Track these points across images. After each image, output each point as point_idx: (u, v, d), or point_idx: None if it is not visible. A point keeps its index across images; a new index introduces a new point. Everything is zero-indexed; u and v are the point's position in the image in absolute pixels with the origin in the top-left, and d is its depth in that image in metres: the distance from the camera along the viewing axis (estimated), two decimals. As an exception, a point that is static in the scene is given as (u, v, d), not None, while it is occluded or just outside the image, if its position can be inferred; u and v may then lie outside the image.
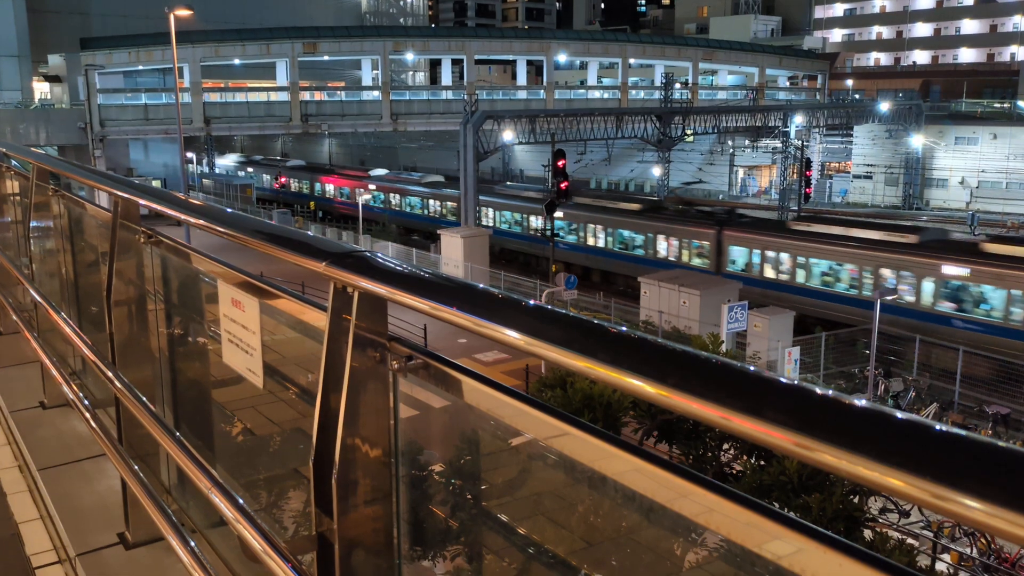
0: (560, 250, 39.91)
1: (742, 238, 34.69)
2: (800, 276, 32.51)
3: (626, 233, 39.62)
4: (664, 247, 37.80)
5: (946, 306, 28.60)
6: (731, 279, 32.12)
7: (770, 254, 33.48)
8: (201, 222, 2.35)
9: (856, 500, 11.14)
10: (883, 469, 0.81)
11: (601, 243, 40.83)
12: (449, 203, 50.81)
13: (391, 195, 56.59)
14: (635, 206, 40.96)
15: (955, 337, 26.42)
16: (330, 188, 62.96)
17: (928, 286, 28.99)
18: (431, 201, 53.28)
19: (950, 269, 28.42)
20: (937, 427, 0.83)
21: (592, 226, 41.10)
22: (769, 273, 33.55)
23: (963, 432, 0.82)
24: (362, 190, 57.45)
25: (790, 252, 32.78)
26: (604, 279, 40.24)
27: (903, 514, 16.51)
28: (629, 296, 34.24)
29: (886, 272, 29.92)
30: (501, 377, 2.23)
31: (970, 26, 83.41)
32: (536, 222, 43.35)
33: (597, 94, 70.60)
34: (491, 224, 46.79)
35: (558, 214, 40.38)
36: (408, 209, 55.03)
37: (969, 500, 0.75)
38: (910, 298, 29.05)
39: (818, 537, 1.01)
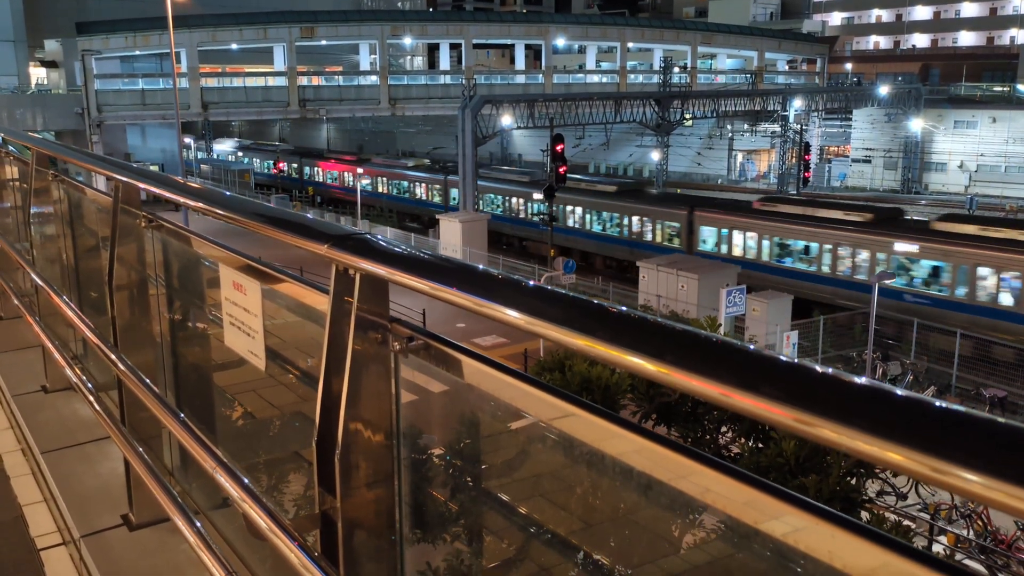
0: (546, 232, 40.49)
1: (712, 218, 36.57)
2: (765, 254, 34.59)
3: (605, 215, 41.22)
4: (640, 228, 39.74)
5: (898, 282, 29.59)
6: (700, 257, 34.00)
7: (736, 233, 35.50)
8: (203, 206, 2.36)
9: (853, 482, 11.21)
10: (882, 443, 0.82)
11: (581, 224, 42.41)
12: (435, 187, 51.89)
13: (380, 179, 56.79)
14: (611, 188, 42.69)
15: (910, 312, 27.50)
16: (326, 173, 62.88)
17: (877, 262, 30.42)
18: (417, 185, 53.92)
19: (900, 246, 29.78)
20: (936, 403, 0.84)
21: (574, 208, 42.52)
22: (736, 252, 35.37)
23: (961, 408, 0.83)
24: (351, 175, 57.68)
25: (756, 231, 34.73)
26: (584, 259, 41.45)
27: (900, 496, 16.60)
28: (627, 280, 34.27)
29: (843, 250, 31.64)
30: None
31: (970, 9, 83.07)
32: (531, 206, 44.56)
33: (596, 78, 70.34)
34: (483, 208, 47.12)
35: (539, 196, 41.15)
36: (396, 193, 55.88)
37: (967, 473, 0.76)
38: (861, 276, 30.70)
39: (816, 511, 1.03)
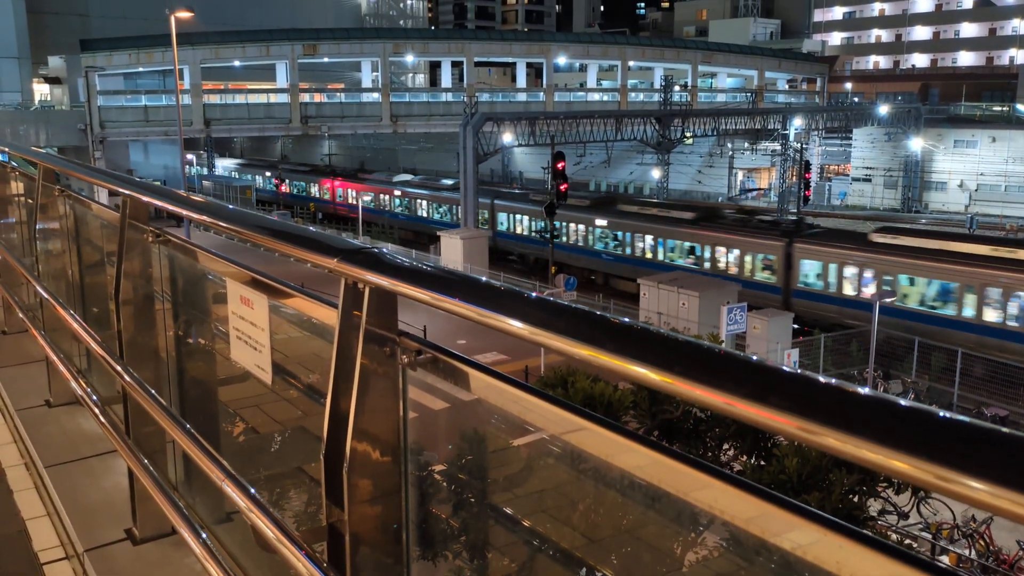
0: (604, 261, 39.64)
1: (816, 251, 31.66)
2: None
3: (682, 245, 36.96)
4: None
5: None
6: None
7: (849, 269, 30.52)
8: (214, 221, 2.39)
9: (855, 499, 11.18)
10: (887, 452, 0.84)
11: (651, 254, 38.21)
12: (427, 202, 50.54)
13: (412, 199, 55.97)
14: (688, 214, 37.93)
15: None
16: (324, 190, 62.84)
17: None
18: (420, 202, 52.81)
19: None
20: (939, 412, 0.86)
21: (643, 236, 38.57)
22: (849, 291, 30.73)
23: (965, 417, 0.85)
24: (386, 196, 56.82)
25: (878, 268, 29.63)
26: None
27: (902, 515, 16.52)
28: (629, 298, 34.25)
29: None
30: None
31: (969, 29, 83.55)
32: (594, 232, 41.39)
33: (596, 96, 70.68)
34: (508, 228, 46.21)
35: (603, 222, 39.85)
36: (425, 214, 53.41)
37: (973, 481, 0.77)
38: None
39: (824, 523, 1.04)
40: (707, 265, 35.28)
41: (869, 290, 28.90)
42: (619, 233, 39.79)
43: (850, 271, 30.55)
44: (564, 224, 41.43)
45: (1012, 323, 26.62)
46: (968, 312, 27.67)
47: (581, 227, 41.40)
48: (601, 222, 40.43)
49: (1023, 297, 26.51)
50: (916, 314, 28.51)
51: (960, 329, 27.22)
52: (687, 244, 36.54)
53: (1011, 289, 26.65)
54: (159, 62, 54.79)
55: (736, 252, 34.48)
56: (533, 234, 43.43)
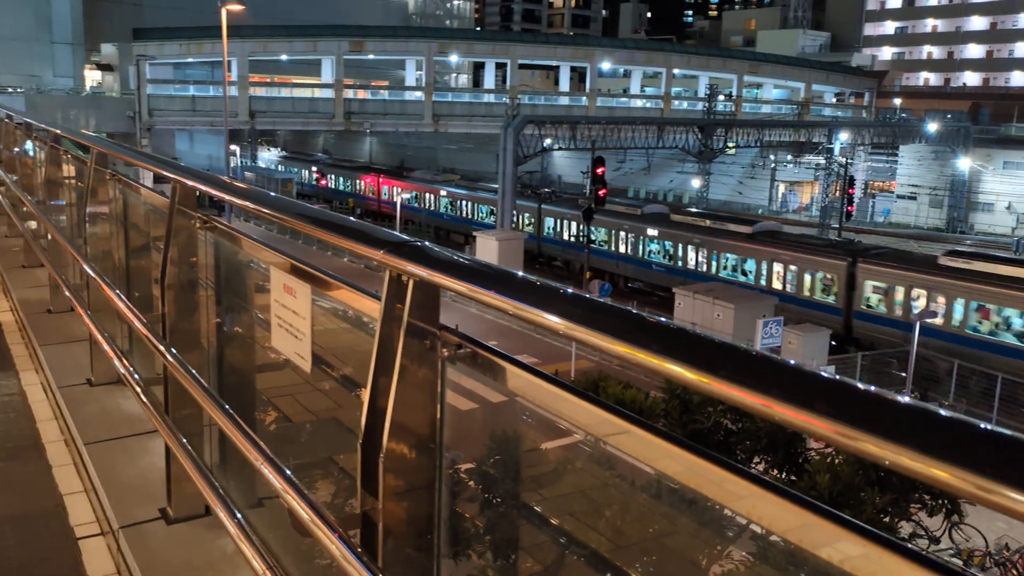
0: (655, 272, 39.28)
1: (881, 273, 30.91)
2: (958, 322, 28.44)
3: (737, 260, 36.21)
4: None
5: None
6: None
7: (917, 292, 29.74)
8: (263, 210, 2.43)
9: (886, 520, 11.02)
10: (927, 460, 0.84)
11: (707, 269, 37.22)
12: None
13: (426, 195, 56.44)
14: (745, 228, 37.13)
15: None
16: (367, 186, 63.27)
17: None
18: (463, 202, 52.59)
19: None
20: (981, 424, 0.86)
21: (697, 249, 37.75)
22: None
23: (1008, 431, 0.85)
24: (399, 189, 57.34)
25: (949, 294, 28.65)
26: None
27: (933, 540, 16.24)
28: (663, 307, 34.03)
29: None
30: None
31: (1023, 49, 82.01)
32: (623, 236, 41.24)
33: (639, 103, 70.39)
34: (554, 233, 45.87)
35: (654, 233, 39.40)
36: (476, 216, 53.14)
37: (1015, 493, 0.77)
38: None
39: (868, 535, 1.03)
40: (763, 282, 34.73)
41: (938, 316, 28.11)
42: (668, 244, 39.31)
43: (918, 295, 29.65)
44: (614, 232, 41.27)
45: None
46: None
47: (632, 236, 40.97)
48: (653, 232, 40.01)
49: None
50: (986, 343, 27.54)
51: None
52: (744, 259, 35.87)
53: None
54: (208, 53, 55.58)
55: (794, 269, 33.63)
56: (576, 239, 43.18)
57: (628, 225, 40.91)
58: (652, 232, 39.74)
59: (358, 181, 64.79)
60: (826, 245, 35.04)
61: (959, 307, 28.25)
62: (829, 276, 32.38)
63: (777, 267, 34.27)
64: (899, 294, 30.18)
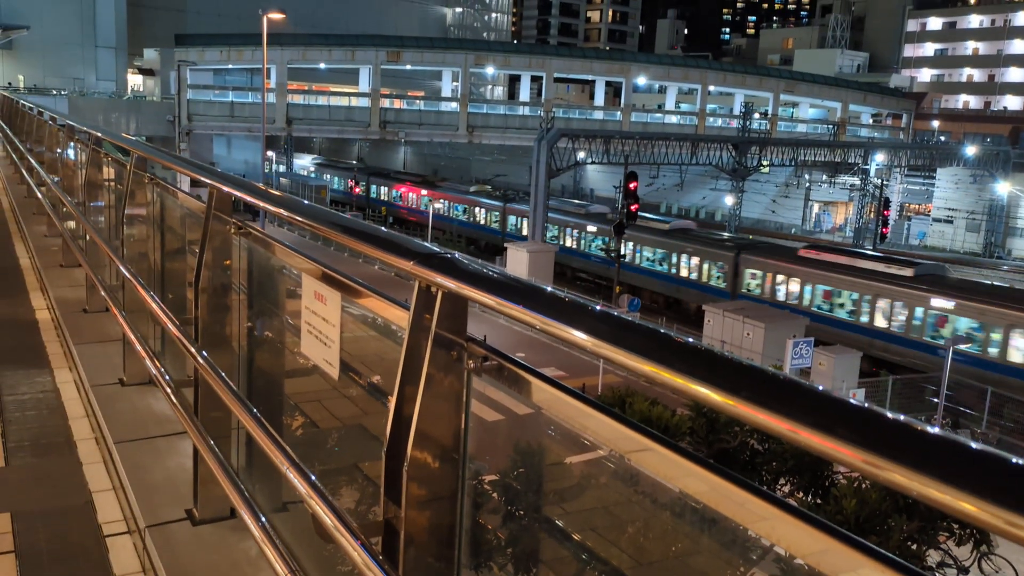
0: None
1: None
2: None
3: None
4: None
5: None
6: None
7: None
8: (297, 218, 2.46)
9: (914, 547, 10.84)
10: (955, 492, 0.83)
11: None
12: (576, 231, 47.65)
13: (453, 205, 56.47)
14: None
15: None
16: (401, 195, 63.59)
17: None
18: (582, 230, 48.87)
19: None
20: (1012, 458, 0.85)
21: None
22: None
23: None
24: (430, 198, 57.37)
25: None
26: None
27: (962, 570, 15.93)
28: (692, 324, 33.83)
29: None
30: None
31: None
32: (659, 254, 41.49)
33: (674, 119, 70.28)
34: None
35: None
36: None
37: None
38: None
39: (896, 567, 1.02)
40: (673, 271, 40.41)
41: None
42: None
43: (781, 280, 35.16)
44: (665, 253, 41.51)
45: None
46: None
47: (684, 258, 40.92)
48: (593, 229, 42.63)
49: None
50: (828, 319, 32.21)
51: None
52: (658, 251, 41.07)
53: None
54: (248, 60, 56.41)
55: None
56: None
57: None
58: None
59: (392, 190, 65.18)
60: (720, 240, 40.84)
61: (808, 290, 34.23)
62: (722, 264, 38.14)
63: (683, 257, 40.13)
64: (769, 279, 35.98)
